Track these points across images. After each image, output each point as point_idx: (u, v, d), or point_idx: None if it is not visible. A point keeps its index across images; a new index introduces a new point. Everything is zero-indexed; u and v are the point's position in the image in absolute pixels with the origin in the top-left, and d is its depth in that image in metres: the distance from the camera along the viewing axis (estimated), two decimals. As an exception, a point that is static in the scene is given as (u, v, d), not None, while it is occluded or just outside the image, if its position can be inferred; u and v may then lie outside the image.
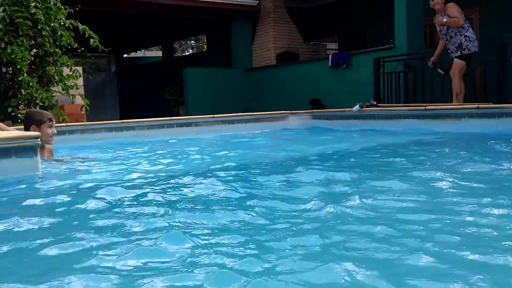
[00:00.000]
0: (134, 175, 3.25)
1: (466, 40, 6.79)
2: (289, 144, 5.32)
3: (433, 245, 1.62)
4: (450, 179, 2.73)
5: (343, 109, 7.33)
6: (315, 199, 2.34)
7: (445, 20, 6.81)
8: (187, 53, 28.05)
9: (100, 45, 6.62)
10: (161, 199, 2.46)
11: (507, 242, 1.63)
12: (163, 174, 3.36)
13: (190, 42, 29.07)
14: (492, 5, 10.08)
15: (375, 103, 7.10)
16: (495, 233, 1.74)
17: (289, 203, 2.28)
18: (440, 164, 3.42)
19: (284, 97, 11.21)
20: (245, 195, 2.54)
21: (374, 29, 12.67)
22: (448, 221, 1.91)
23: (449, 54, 7.07)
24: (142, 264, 1.52)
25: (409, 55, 8.46)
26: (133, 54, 22.75)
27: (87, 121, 7.07)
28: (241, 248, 1.65)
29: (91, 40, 6.61)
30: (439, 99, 7.70)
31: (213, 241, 1.75)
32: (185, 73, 11.86)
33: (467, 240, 1.68)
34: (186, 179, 3.01)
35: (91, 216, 2.14)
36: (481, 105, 5.59)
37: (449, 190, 2.52)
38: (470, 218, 1.94)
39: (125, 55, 21.21)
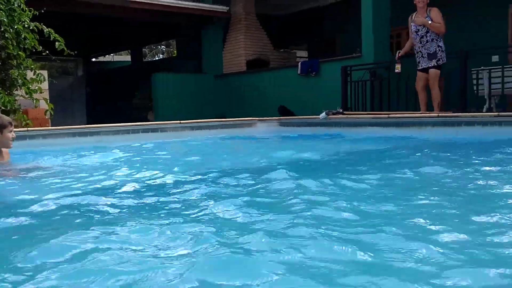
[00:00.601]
0: (96, 186, 3.19)
1: (440, 50, 6.89)
2: (253, 151, 5.34)
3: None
4: (402, 183, 2.81)
5: (310, 116, 7.42)
6: (278, 205, 2.36)
7: (430, 22, 6.74)
8: (157, 58, 27.84)
9: (65, 48, 6.51)
10: (125, 207, 2.44)
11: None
12: (129, 183, 3.31)
13: (160, 47, 28.88)
14: (453, 15, 10.40)
15: (341, 110, 7.22)
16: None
17: (256, 209, 2.30)
18: (395, 169, 3.50)
19: (254, 104, 11.26)
20: (212, 202, 2.53)
21: (343, 38, 12.88)
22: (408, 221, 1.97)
23: (418, 57, 7.02)
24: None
25: (375, 64, 8.65)
26: (101, 58, 22.42)
27: (52, 126, 6.92)
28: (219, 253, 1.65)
29: (57, 43, 6.49)
30: (404, 107, 7.89)
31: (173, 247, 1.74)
32: (154, 78, 11.77)
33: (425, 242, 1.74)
34: (140, 188, 2.98)
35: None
36: (441, 114, 5.76)
37: (406, 193, 2.59)
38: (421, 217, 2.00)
39: (93, 59, 20.88)
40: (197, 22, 12.34)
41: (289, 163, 4.06)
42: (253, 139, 6.79)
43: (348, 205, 2.31)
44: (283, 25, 14.92)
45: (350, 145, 5.54)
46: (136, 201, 2.58)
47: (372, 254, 1.62)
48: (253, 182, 3.11)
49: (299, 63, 10.57)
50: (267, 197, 2.65)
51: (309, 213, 2.20)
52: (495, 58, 8.85)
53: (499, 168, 3.40)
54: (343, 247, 1.68)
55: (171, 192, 2.84)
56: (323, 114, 7.00)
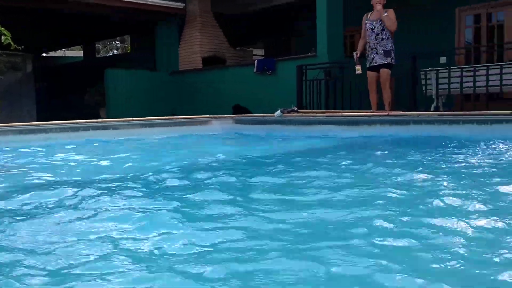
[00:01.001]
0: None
1: (393, 49, 7.04)
2: (207, 149, 5.30)
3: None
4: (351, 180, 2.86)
5: (265, 114, 7.44)
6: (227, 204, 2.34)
7: (385, 14, 6.84)
8: (110, 54, 27.17)
9: (12, 43, 6.22)
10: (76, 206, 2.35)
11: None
12: (78, 182, 3.20)
13: (115, 43, 28.19)
14: (404, 18, 10.72)
15: (295, 109, 7.28)
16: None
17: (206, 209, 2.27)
18: (344, 166, 3.57)
19: (209, 101, 11.18)
20: (164, 201, 2.49)
21: (298, 37, 13.01)
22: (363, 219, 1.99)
23: (372, 54, 7.08)
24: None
25: (330, 64, 8.78)
26: (53, 54, 21.63)
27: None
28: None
29: (3, 37, 6.19)
30: (357, 106, 8.05)
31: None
32: (107, 75, 11.46)
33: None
34: (88, 188, 2.88)
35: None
36: (391, 113, 5.92)
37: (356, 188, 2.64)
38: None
39: (44, 54, 20.12)
40: (152, 18, 12.12)
41: (239, 161, 4.05)
42: (207, 137, 6.74)
43: (294, 202, 2.33)
44: (239, 24, 14.91)
45: (301, 143, 5.59)
46: (73, 202, 2.48)
47: (310, 252, 1.63)
48: (195, 181, 3.07)
49: (255, 61, 10.58)
50: (210, 197, 2.62)
51: (257, 211, 2.19)
52: (442, 60, 9.20)
53: (441, 164, 3.52)
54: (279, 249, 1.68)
55: (111, 192, 2.76)
56: (278, 112, 7.04)
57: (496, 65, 7.02)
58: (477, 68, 7.08)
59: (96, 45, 21.69)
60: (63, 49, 22.05)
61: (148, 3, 11.34)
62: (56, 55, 21.88)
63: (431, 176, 2.96)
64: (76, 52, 22.94)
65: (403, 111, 6.40)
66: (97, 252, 1.66)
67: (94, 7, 10.87)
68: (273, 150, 4.86)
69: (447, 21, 10.16)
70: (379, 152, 4.63)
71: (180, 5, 11.92)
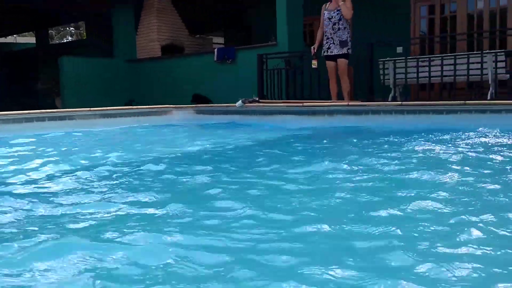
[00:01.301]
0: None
1: (350, 40, 7.14)
2: (169, 140, 5.23)
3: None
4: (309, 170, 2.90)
5: (226, 104, 7.41)
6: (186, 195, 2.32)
7: (341, 3, 6.89)
8: (65, 41, 26.20)
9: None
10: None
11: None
12: (30, 178, 3.08)
13: (69, 29, 27.20)
14: (363, 9, 10.91)
15: (257, 99, 7.28)
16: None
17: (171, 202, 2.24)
18: (305, 157, 3.62)
19: (169, 91, 11.01)
20: (131, 193, 2.44)
21: (259, 25, 12.97)
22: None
23: (328, 43, 7.13)
24: None
25: (290, 53, 8.81)
26: (3, 40, 20.60)
27: None
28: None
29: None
30: (317, 95, 8.13)
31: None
32: (61, 62, 11.06)
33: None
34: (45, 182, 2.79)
35: None
36: (350, 103, 6.02)
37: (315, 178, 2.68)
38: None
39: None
40: (108, 3, 11.75)
41: (197, 153, 4.01)
42: (166, 127, 6.64)
43: (255, 194, 2.34)
44: (199, 11, 14.69)
45: (262, 134, 5.60)
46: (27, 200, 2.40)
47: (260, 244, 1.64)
48: (155, 173, 3.03)
49: (216, 50, 10.48)
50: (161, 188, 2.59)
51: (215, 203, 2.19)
52: (399, 49, 9.42)
53: (398, 153, 3.62)
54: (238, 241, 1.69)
55: (65, 186, 2.68)
56: (239, 102, 7.02)
57: (450, 55, 7.25)
58: (432, 59, 7.30)
59: (49, 31, 20.84)
60: (14, 36, 21.05)
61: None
62: (6, 41, 20.87)
63: (386, 163, 3.06)
64: (29, 38, 21.96)
65: (362, 101, 6.52)
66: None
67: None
68: (231, 142, 4.84)
69: (403, 13, 10.39)
70: (337, 142, 4.72)
71: (137, -10, 11.62)
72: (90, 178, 2.93)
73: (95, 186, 2.72)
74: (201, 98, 10.02)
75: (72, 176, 3.02)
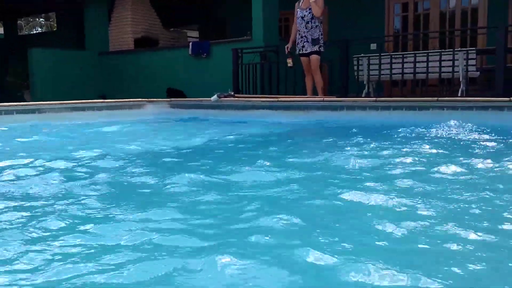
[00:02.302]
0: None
1: (322, 38, 7.18)
2: (144, 136, 5.14)
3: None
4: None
5: (201, 99, 7.34)
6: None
7: (312, 1, 6.90)
8: (34, 32, 25.50)
9: None
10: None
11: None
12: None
13: (39, 20, 26.46)
14: (339, 6, 10.99)
15: (232, 93, 7.24)
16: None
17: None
18: (284, 152, 3.61)
19: (142, 84, 10.85)
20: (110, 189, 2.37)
21: (234, 20, 12.89)
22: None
23: (302, 41, 7.16)
24: None
25: (265, 48, 8.78)
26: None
27: None
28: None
29: None
30: (292, 91, 8.14)
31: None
32: (30, 54, 10.74)
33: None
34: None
35: None
36: (326, 98, 6.05)
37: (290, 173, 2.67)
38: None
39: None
40: (79, -6, 11.47)
41: (167, 149, 3.94)
42: (140, 122, 6.53)
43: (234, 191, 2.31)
44: (174, 4, 14.50)
45: (237, 129, 5.56)
46: None
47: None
48: (123, 171, 2.97)
49: (190, 44, 10.36)
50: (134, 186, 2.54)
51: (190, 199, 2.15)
52: (373, 46, 9.52)
53: (370, 148, 3.65)
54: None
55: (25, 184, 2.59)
56: (214, 97, 6.97)
57: (423, 53, 7.36)
58: (405, 56, 7.39)
59: (18, 22, 20.23)
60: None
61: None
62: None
63: (360, 158, 3.08)
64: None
65: (337, 97, 6.55)
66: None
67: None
68: (204, 136, 4.79)
69: (378, 10, 10.50)
70: (311, 137, 4.73)
71: (110, -19, 11.36)
72: (53, 175, 2.84)
73: (52, 183, 2.62)
74: (176, 92, 9.90)
75: (35, 172, 2.93)
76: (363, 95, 7.76)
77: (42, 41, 15.26)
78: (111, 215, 1.98)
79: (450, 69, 6.84)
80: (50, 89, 10.43)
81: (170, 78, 10.36)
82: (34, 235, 1.73)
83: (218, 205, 2.11)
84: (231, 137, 4.79)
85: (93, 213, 2.01)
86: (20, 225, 1.85)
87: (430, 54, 7.13)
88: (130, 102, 7.14)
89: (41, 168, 3.02)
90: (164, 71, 10.61)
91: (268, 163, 3.07)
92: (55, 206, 2.11)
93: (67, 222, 1.87)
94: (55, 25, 20.28)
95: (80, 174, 2.88)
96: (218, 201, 2.18)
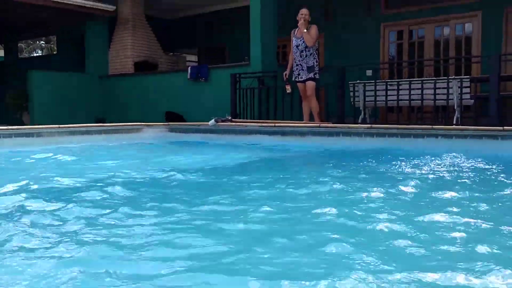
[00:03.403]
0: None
1: (317, 65, 7.34)
2: (137, 160, 5.15)
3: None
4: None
5: (199, 123, 7.39)
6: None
7: (305, 30, 7.12)
8: (35, 55, 25.75)
9: None
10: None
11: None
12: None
13: (39, 42, 26.75)
14: (333, 33, 11.19)
15: (229, 118, 7.30)
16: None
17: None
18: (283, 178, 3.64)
19: (141, 108, 10.92)
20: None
21: (233, 44, 13.07)
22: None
23: (297, 69, 7.33)
24: None
25: (263, 73, 8.89)
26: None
27: None
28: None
29: None
30: (289, 116, 8.22)
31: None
32: (30, 76, 10.83)
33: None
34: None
35: None
36: (322, 124, 6.11)
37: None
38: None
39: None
40: (79, 18, 11.63)
41: (169, 175, 3.95)
42: (136, 145, 6.54)
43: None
44: (173, 28, 14.73)
45: (233, 155, 5.57)
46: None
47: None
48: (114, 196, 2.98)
49: (189, 68, 10.48)
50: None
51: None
52: (369, 73, 9.66)
53: (362, 174, 3.68)
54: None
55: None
56: (212, 121, 7.02)
57: (418, 80, 7.47)
58: (400, 83, 7.50)
59: (19, 44, 20.44)
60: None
61: (76, 3, 10.88)
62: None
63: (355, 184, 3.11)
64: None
65: (333, 123, 6.62)
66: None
67: (15, 5, 10.23)
68: (201, 162, 4.81)
69: (373, 36, 10.69)
70: (308, 163, 4.77)
71: (111, 7, 11.54)
72: (43, 198, 2.85)
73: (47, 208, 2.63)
74: (174, 115, 9.97)
75: (30, 196, 2.94)
76: (359, 121, 7.84)
77: (42, 63, 15.40)
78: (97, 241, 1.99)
79: (445, 96, 6.94)
80: (49, 111, 10.49)
81: (169, 102, 10.45)
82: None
83: (197, 239, 2.10)
84: (227, 162, 4.82)
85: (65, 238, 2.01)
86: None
87: (424, 81, 7.24)
88: (127, 125, 7.18)
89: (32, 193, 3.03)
90: (163, 95, 10.70)
91: (255, 191, 3.10)
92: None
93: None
94: (55, 48, 20.49)
95: (65, 199, 2.87)
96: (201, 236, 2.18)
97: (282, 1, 9.55)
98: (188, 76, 10.24)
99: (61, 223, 2.32)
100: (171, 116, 9.94)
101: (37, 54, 26.04)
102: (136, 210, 2.57)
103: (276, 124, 6.46)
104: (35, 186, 3.26)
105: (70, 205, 2.65)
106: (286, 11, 9.81)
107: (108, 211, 2.55)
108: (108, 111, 11.49)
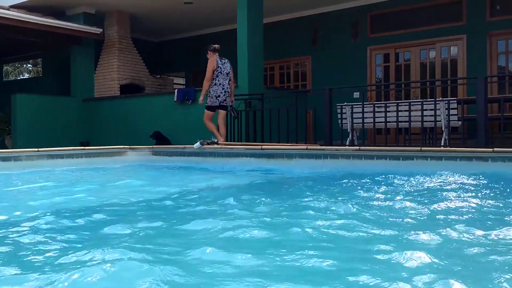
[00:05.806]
0: None
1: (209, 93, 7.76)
2: (116, 184, 4.98)
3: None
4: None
5: (184, 146, 7.25)
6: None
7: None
8: (20, 78, 25.56)
9: None
10: None
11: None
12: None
13: (26, 65, 26.59)
14: (320, 57, 11.25)
15: (215, 141, 7.17)
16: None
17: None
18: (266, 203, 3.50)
19: (127, 131, 10.77)
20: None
21: (220, 68, 13.02)
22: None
23: (225, 96, 7.75)
24: None
25: (250, 95, 8.83)
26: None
27: None
28: None
29: None
30: (276, 138, 8.13)
31: None
32: (14, 100, 10.65)
33: None
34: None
35: None
36: (309, 147, 6.00)
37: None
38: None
39: None
40: (67, 42, 11.55)
41: (151, 200, 3.80)
42: (119, 169, 6.37)
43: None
44: (161, 51, 14.71)
45: (218, 178, 5.41)
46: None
47: None
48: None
49: (176, 91, 10.39)
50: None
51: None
52: (356, 95, 9.66)
53: (351, 197, 3.57)
54: None
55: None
56: (197, 144, 6.89)
57: (405, 102, 7.44)
58: (388, 105, 7.46)
59: (5, 67, 20.30)
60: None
61: (63, 26, 10.82)
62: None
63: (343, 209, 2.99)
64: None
65: (320, 145, 6.52)
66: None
67: (1, 28, 10.13)
68: (184, 187, 4.65)
69: (360, 59, 10.75)
70: (295, 186, 4.64)
71: (97, 30, 11.48)
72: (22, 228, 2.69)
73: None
74: (162, 136, 9.83)
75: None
76: (347, 143, 7.76)
77: (27, 87, 15.24)
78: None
79: (432, 118, 6.90)
80: (33, 135, 10.29)
81: (155, 124, 10.31)
82: None
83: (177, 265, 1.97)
84: (212, 187, 4.67)
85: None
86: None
87: (412, 103, 7.21)
88: (110, 149, 7.01)
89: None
90: (150, 117, 10.57)
91: (241, 213, 2.96)
92: None
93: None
94: (41, 71, 20.36)
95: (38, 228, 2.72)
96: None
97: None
98: (175, 99, 10.15)
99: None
100: (159, 136, 9.80)
101: (23, 77, 25.85)
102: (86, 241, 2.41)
103: (263, 147, 6.35)
104: None
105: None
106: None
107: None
108: (93, 135, 11.32)
